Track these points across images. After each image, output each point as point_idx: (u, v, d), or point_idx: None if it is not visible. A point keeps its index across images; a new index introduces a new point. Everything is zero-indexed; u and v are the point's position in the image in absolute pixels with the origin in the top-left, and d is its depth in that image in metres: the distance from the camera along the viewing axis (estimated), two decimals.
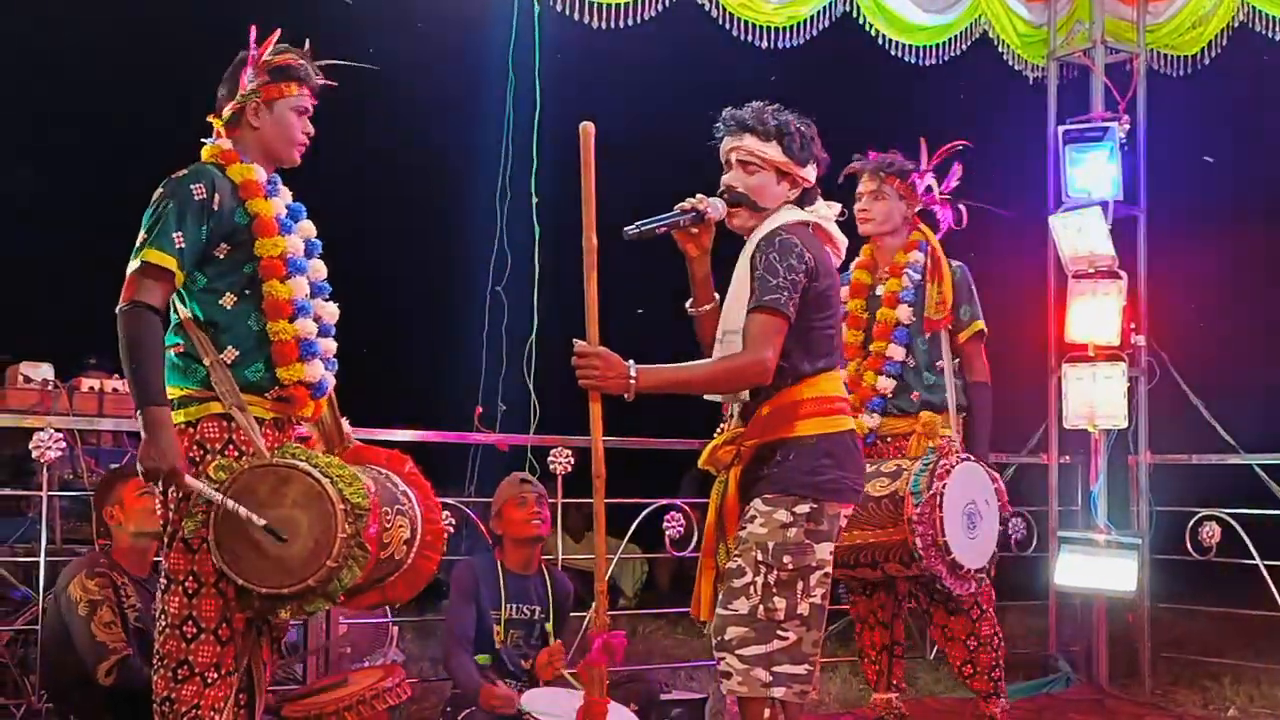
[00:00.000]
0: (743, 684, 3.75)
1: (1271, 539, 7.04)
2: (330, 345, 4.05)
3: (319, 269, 4.09)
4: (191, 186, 3.77)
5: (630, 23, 6.60)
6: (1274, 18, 7.54)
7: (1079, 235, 7.15)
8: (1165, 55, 7.74)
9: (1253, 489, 7.16)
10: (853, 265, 5.44)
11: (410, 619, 6.77)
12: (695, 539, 6.27)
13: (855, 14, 7.20)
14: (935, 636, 5.30)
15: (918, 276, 5.24)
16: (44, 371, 5.98)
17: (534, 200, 6.16)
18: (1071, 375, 7.22)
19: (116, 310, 3.71)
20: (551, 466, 6.22)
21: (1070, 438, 7.52)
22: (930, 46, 7.45)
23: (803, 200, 3.96)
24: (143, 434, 3.66)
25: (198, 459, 3.78)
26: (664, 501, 6.68)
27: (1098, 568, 7.15)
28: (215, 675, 3.74)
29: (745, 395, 3.90)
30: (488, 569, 5.57)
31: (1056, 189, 7.35)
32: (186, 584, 3.74)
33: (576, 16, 6.45)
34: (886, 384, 5.22)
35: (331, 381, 4.03)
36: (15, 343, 7.37)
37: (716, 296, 4.00)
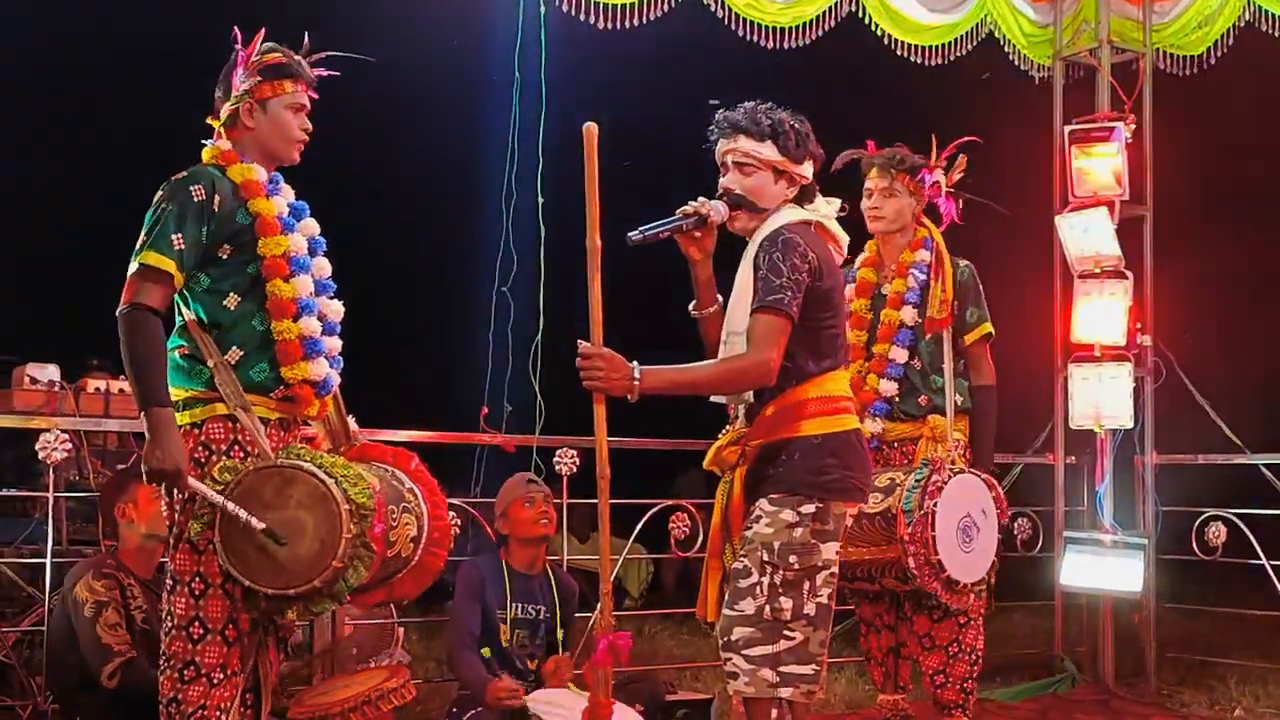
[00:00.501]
0: (749, 684, 3.75)
1: (1278, 539, 7.03)
2: (335, 343, 4.06)
3: (323, 267, 4.09)
4: (191, 188, 3.77)
5: (636, 23, 6.60)
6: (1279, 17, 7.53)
7: (1085, 235, 7.14)
8: (1171, 55, 7.73)
9: (1259, 489, 7.15)
10: (858, 261, 5.35)
11: (416, 619, 6.76)
12: (701, 539, 6.27)
13: (861, 14, 7.19)
14: (912, 644, 5.15)
15: (923, 277, 5.16)
16: (50, 373, 5.98)
17: (539, 201, 6.16)
18: (1077, 375, 7.21)
19: (117, 313, 3.72)
20: (557, 467, 6.21)
21: (1076, 438, 7.51)
22: (936, 46, 7.44)
23: (801, 197, 3.95)
24: (147, 436, 3.66)
25: (203, 460, 3.78)
26: (669, 502, 6.68)
27: (1103, 568, 7.14)
28: (221, 676, 3.74)
29: (749, 396, 3.90)
30: (493, 569, 5.57)
31: (1062, 189, 7.34)
32: (193, 585, 3.75)
33: (582, 17, 6.44)
34: (889, 387, 5.14)
35: (336, 380, 4.03)
36: (20, 344, 7.38)
37: (720, 299, 3.99)
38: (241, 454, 3.80)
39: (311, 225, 4.09)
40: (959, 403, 5.12)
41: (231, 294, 3.85)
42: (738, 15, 6.89)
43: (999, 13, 7.58)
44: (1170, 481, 7.52)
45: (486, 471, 6.88)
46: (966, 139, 5.34)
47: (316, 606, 3.69)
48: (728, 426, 4.04)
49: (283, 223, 3.92)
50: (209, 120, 4.04)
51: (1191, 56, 7.73)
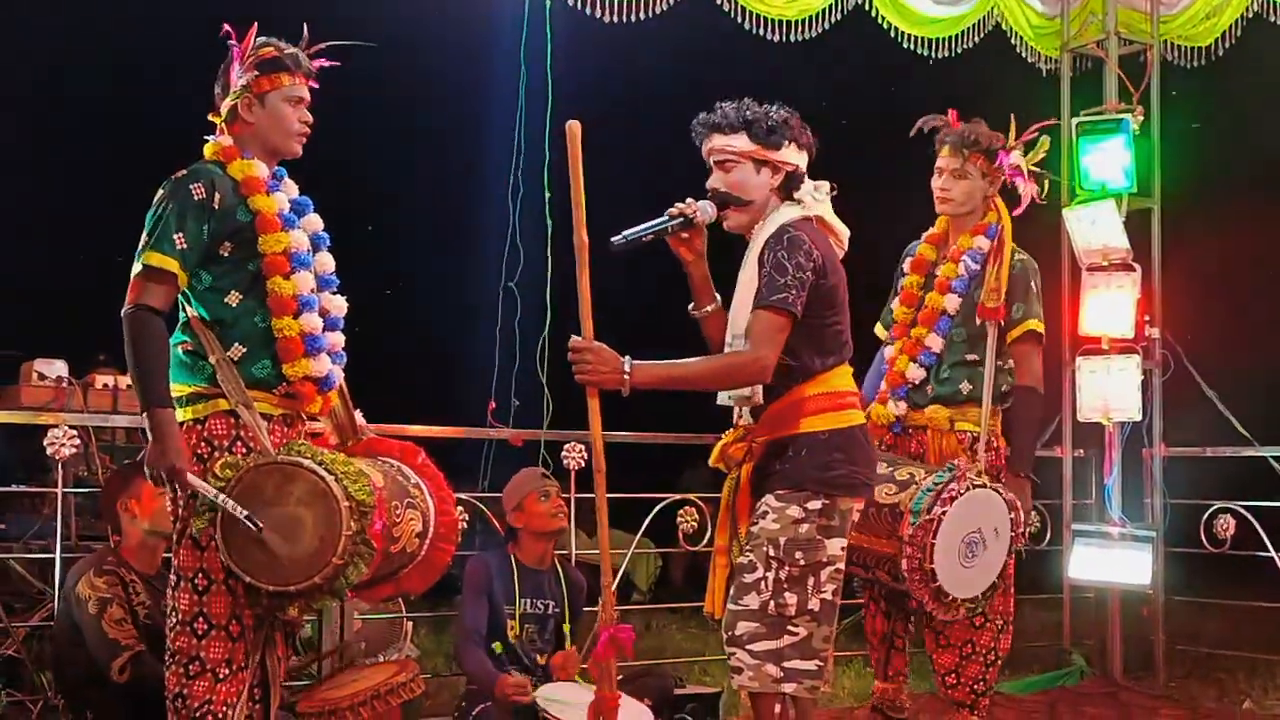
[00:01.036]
0: (753, 679, 3.76)
1: None
2: (338, 339, 4.06)
3: (326, 263, 4.09)
4: (191, 186, 3.77)
5: (642, 16, 6.60)
6: None
7: (1093, 228, 7.13)
8: (1179, 46, 7.72)
9: (1268, 481, 7.14)
10: (924, 236, 5.17)
11: (424, 615, 6.77)
12: (709, 534, 6.27)
13: (867, 6, 7.19)
14: (928, 640, 5.03)
15: (975, 266, 4.93)
16: (58, 368, 5.99)
17: (546, 195, 6.16)
18: (1086, 368, 7.20)
19: (121, 313, 3.74)
20: (564, 462, 6.21)
21: (1084, 431, 7.50)
22: (943, 39, 7.43)
23: (788, 185, 3.92)
24: (149, 435, 3.69)
25: (205, 455, 3.80)
26: (677, 496, 6.68)
27: (1112, 561, 7.14)
28: (227, 671, 3.76)
29: (757, 396, 3.89)
30: (501, 564, 5.57)
31: (1070, 181, 7.32)
32: (196, 581, 3.76)
33: (588, 11, 6.45)
34: (917, 373, 4.94)
35: (339, 375, 4.03)
36: (27, 339, 7.39)
37: (718, 298, 4.00)
38: (244, 450, 3.80)
39: (315, 221, 4.09)
40: (963, 393, 4.91)
41: (233, 291, 3.85)
42: (744, 8, 6.89)
43: (1006, 4, 7.58)
44: (1178, 474, 7.51)
45: (494, 466, 6.90)
46: (1047, 123, 5.16)
47: (317, 603, 3.71)
48: (735, 422, 4.04)
49: (283, 219, 3.91)
50: (210, 117, 4.04)
51: (1199, 48, 7.71)
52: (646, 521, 6.80)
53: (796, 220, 3.85)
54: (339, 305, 4.08)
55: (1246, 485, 7.31)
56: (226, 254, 3.84)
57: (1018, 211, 5.11)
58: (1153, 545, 7.09)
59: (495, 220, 6.63)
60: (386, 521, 3.79)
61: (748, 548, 3.83)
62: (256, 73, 3.94)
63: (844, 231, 4.02)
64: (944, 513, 4.48)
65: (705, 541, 6.26)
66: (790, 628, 3.74)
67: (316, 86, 4.08)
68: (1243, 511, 7.07)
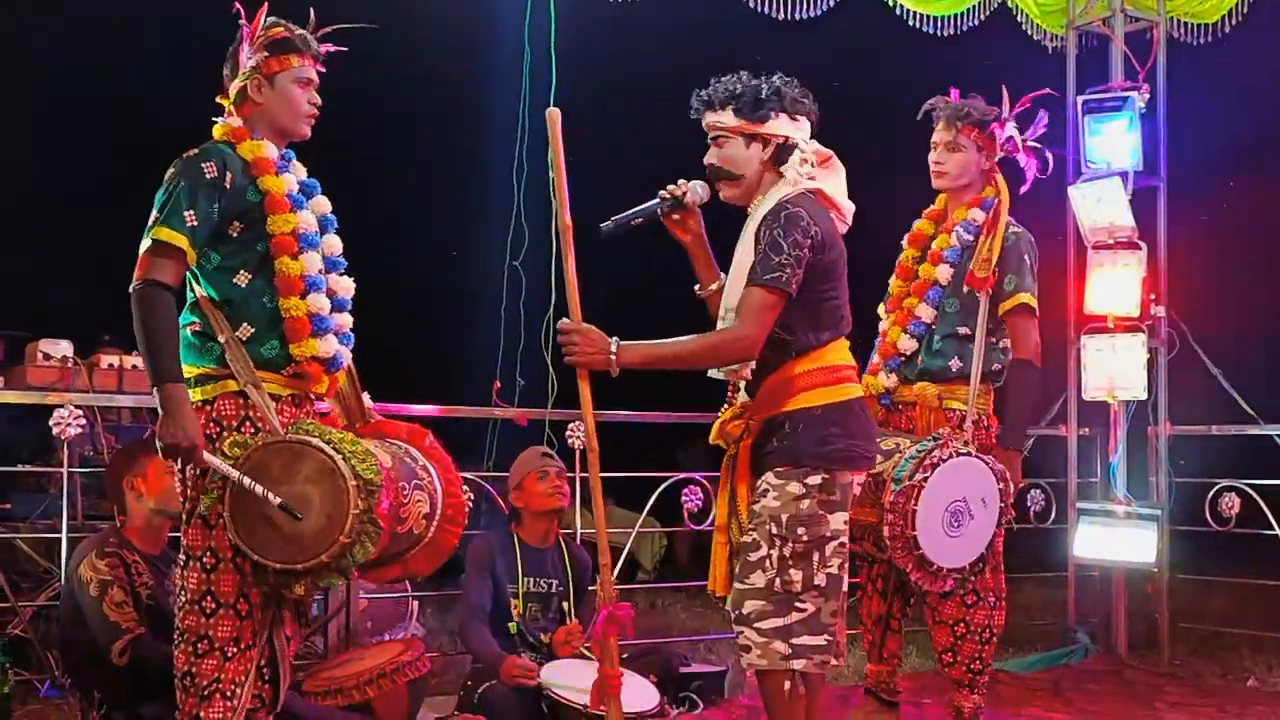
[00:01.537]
0: (762, 657, 3.76)
1: None
2: (346, 320, 4.06)
3: (334, 244, 4.09)
4: (203, 165, 3.78)
5: None
6: None
7: (1098, 206, 7.11)
8: (1185, 23, 7.68)
9: (1273, 459, 7.13)
10: (924, 213, 5.17)
11: (430, 594, 6.79)
12: (714, 512, 6.27)
13: None
14: (927, 617, 5.04)
15: (969, 236, 4.92)
16: (63, 348, 6.00)
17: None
18: (1091, 346, 7.19)
19: (130, 289, 3.73)
20: (569, 441, 6.22)
21: (1089, 409, 7.50)
22: (948, 16, 7.41)
23: (780, 156, 3.90)
24: (160, 411, 3.68)
25: (214, 436, 3.80)
26: (682, 475, 6.69)
27: (1117, 539, 7.14)
28: (235, 649, 3.77)
29: (747, 371, 3.89)
30: (504, 543, 5.58)
31: (1076, 159, 7.31)
32: (204, 559, 3.77)
33: None
34: (908, 344, 4.94)
35: (347, 356, 4.04)
36: (31, 319, 7.40)
37: (723, 276, 4.00)
38: (252, 430, 3.81)
39: (323, 203, 4.10)
40: (953, 369, 4.88)
41: (242, 271, 3.85)
42: None
43: None
44: (1184, 452, 7.51)
45: (499, 446, 6.90)
46: (1043, 92, 5.13)
47: (324, 581, 3.72)
48: (729, 398, 4.05)
49: (292, 200, 3.92)
50: (218, 99, 4.03)
51: (1206, 25, 7.67)
52: (651, 500, 6.81)
53: (796, 195, 3.83)
54: (346, 286, 4.09)
55: (1251, 463, 7.31)
56: (235, 234, 3.85)
57: (1024, 189, 5.10)
58: (1158, 523, 7.08)
59: (499, 200, 6.62)
60: (394, 501, 3.79)
61: (750, 526, 3.83)
62: (266, 53, 3.94)
63: (848, 206, 4.00)
64: (926, 479, 4.46)
65: (710, 520, 6.27)
66: (797, 604, 3.75)
67: (324, 71, 4.08)
68: (1248, 490, 7.07)
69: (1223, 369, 7.37)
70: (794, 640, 3.75)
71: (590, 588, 5.64)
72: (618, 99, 9.66)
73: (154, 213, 3.76)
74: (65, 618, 4.89)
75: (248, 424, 3.81)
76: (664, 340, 3.82)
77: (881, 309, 5.18)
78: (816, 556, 3.77)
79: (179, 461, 3.75)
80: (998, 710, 5.80)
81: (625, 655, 5.37)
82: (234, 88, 3.99)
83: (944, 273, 4.95)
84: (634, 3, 6.63)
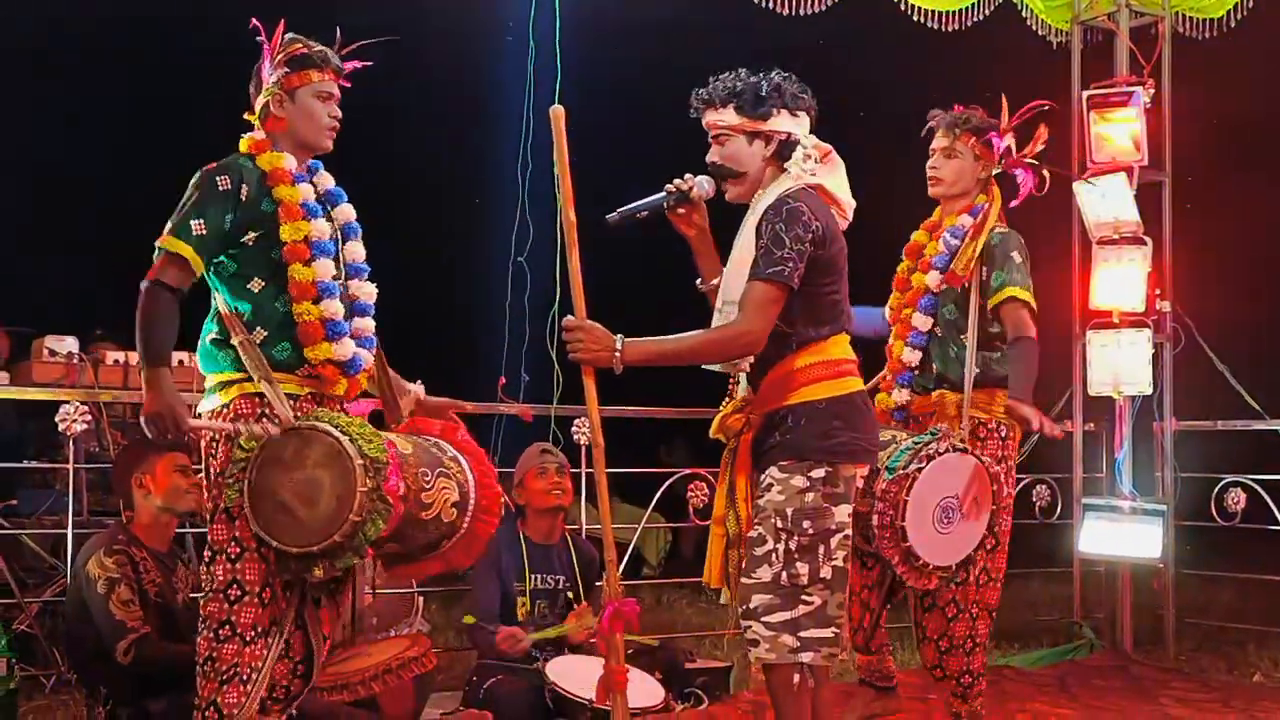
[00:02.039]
0: (770, 651, 3.77)
1: None
2: (367, 324, 4.14)
3: (356, 251, 4.19)
4: (217, 179, 3.92)
5: None
6: None
7: (1103, 201, 7.11)
8: (1190, 18, 7.66)
9: (1278, 455, 7.13)
10: (921, 225, 5.12)
11: (436, 589, 6.80)
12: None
13: None
14: (914, 633, 5.01)
15: (955, 241, 4.88)
16: (69, 345, 6.00)
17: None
18: (1096, 342, 7.19)
19: (141, 285, 3.87)
20: (575, 437, 6.23)
21: (1095, 404, 7.50)
22: (953, 11, 7.40)
23: (782, 152, 3.91)
24: (144, 392, 3.80)
25: (234, 435, 3.87)
26: (687, 470, 6.69)
27: (1122, 534, 7.14)
28: (253, 634, 3.84)
29: (743, 364, 3.91)
30: (510, 540, 5.60)
31: (1081, 154, 7.30)
32: (229, 550, 3.84)
33: None
34: (912, 356, 4.92)
35: (367, 359, 4.11)
36: (29, 314, 7.42)
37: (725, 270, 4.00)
38: (265, 425, 3.88)
39: (347, 211, 4.20)
40: (977, 374, 4.82)
41: (255, 278, 3.96)
42: None
43: None
44: (1189, 448, 7.51)
45: (504, 442, 6.90)
46: (1041, 103, 5.04)
47: (340, 561, 3.77)
48: (730, 391, 4.06)
49: (306, 209, 4.01)
50: (246, 116, 4.14)
51: (1211, 19, 7.65)
52: (657, 496, 6.82)
53: (796, 190, 3.84)
54: (369, 292, 4.18)
55: (1257, 459, 7.32)
56: (251, 243, 3.96)
57: (1015, 202, 5.04)
58: (1163, 519, 7.08)
59: (505, 195, 6.62)
60: (412, 485, 3.84)
61: (756, 521, 3.84)
62: (286, 69, 4.04)
63: (848, 203, 4.00)
64: (920, 469, 4.43)
65: None
66: (804, 597, 3.76)
67: (348, 85, 4.17)
68: (1253, 485, 7.08)
69: (1228, 364, 7.36)
70: (801, 633, 3.75)
71: (597, 583, 5.65)
72: (623, 94, 9.66)
73: (169, 222, 3.90)
74: (71, 614, 4.91)
75: (264, 420, 3.88)
76: (667, 337, 3.83)
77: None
78: (822, 549, 3.77)
79: (167, 435, 3.84)
80: (1003, 706, 5.80)
81: (630, 651, 5.38)
82: (258, 104, 4.10)
83: (934, 279, 4.92)
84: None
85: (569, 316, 3.82)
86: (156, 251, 3.88)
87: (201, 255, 3.88)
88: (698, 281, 4.14)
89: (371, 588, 5.88)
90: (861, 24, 7.67)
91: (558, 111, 3.86)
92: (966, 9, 7.44)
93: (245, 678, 3.81)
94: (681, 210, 3.99)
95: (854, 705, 5.19)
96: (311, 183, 4.12)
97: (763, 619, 3.77)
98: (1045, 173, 5.03)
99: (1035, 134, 5.03)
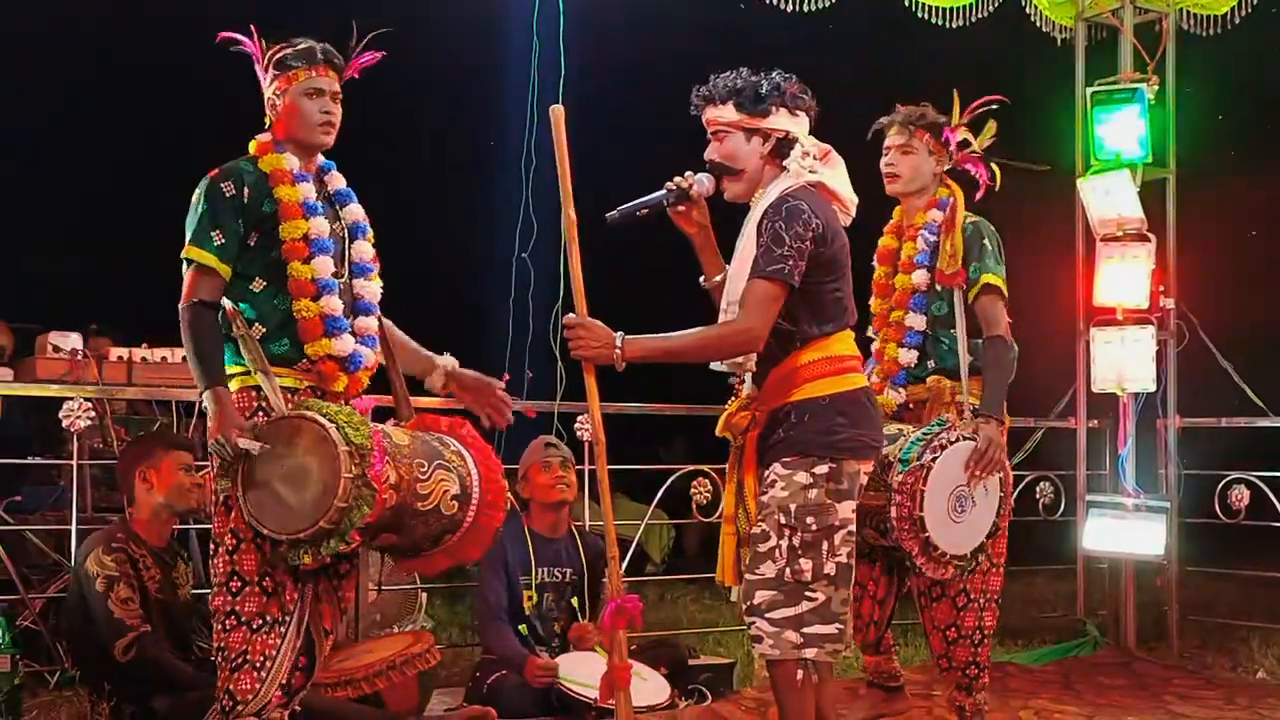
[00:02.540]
0: (774, 647, 3.78)
1: None
2: (370, 323, 4.17)
3: (363, 251, 4.22)
4: (221, 185, 3.97)
5: None
6: None
7: (1107, 198, 7.11)
8: (1194, 15, 7.63)
9: None
10: (885, 229, 5.15)
11: (439, 585, 6.80)
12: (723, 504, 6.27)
13: None
14: (923, 621, 5.01)
15: (933, 238, 4.93)
16: (72, 341, 6.01)
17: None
18: (1100, 339, 7.18)
19: (179, 307, 3.93)
20: (578, 433, 6.23)
21: (1098, 401, 7.49)
22: (956, 8, 7.38)
23: (781, 150, 3.93)
24: (210, 412, 3.86)
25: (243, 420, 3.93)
26: (690, 467, 6.69)
27: (1126, 531, 7.14)
28: (261, 623, 3.87)
29: (741, 359, 3.91)
30: (515, 535, 5.60)
31: (1085, 151, 7.30)
32: (227, 541, 3.89)
33: None
34: (909, 357, 4.94)
35: (369, 357, 4.13)
36: (29, 309, 7.43)
37: (729, 268, 4.01)
38: (264, 418, 3.93)
39: (355, 211, 4.24)
40: (970, 363, 4.87)
41: (257, 278, 4.01)
42: None
43: None
44: (1193, 445, 7.50)
45: (508, 438, 6.90)
46: (992, 98, 5.09)
47: (326, 547, 3.79)
48: (735, 390, 4.08)
49: (306, 208, 4.04)
50: (266, 119, 4.20)
51: (1215, 16, 7.63)
52: (660, 493, 6.82)
53: (796, 188, 3.85)
54: (373, 290, 4.21)
55: (1261, 456, 7.31)
56: (253, 243, 4.00)
57: (979, 196, 5.07)
58: (1167, 516, 7.08)
59: (508, 191, 6.63)
60: (406, 475, 3.86)
61: (760, 517, 3.85)
62: (275, 71, 4.10)
63: (850, 199, 4.02)
64: (934, 459, 4.47)
65: (718, 513, 6.27)
66: (808, 593, 3.76)
67: (358, 77, 4.22)
68: (1257, 482, 7.06)
69: (1232, 361, 7.35)
70: (805, 629, 3.76)
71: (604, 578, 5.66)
72: (627, 91, 9.66)
73: (187, 234, 3.97)
74: (74, 611, 4.92)
75: (260, 414, 3.93)
76: (668, 334, 3.85)
77: (871, 331, 5.15)
78: (826, 546, 3.78)
79: (230, 455, 3.84)
80: (1007, 702, 5.80)
81: (634, 647, 5.38)
82: (266, 106, 4.16)
83: (921, 278, 4.95)
84: None
85: (569, 314, 3.85)
86: (184, 265, 3.93)
87: (226, 263, 3.94)
88: (700, 278, 4.14)
89: (376, 585, 5.89)
90: (865, 21, 7.66)
91: (557, 110, 3.90)
92: (971, 5, 7.42)
93: (258, 664, 3.85)
94: (682, 208, 4.00)
95: (863, 705, 5.20)
96: (322, 182, 4.17)
97: (766, 615, 3.78)
98: (995, 167, 5.08)
99: (987, 128, 5.08)
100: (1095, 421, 7.63)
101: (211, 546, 3.95)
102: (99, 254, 10.12)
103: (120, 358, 6.13)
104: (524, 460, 5.71)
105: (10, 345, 7.15)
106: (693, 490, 6.58)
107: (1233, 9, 7.54)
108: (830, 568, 3.78)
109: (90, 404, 5.44)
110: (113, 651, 4.67)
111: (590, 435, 6.17)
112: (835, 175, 3.97)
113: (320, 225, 4.05)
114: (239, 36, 4.14)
